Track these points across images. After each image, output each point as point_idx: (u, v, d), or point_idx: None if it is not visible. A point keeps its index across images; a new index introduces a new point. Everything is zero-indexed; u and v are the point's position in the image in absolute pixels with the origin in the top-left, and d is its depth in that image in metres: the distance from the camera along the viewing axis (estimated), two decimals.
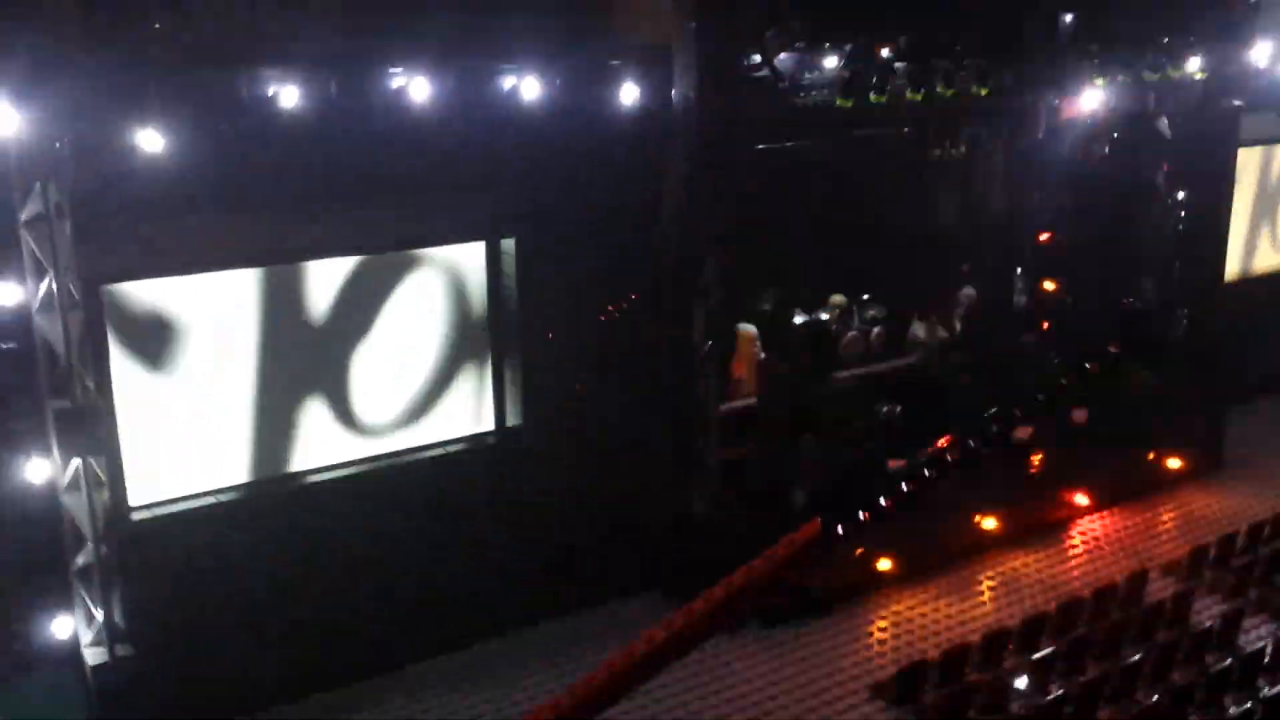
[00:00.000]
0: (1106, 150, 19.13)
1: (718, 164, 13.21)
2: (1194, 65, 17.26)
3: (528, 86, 12.17)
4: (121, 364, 11.38)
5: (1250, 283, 20.81)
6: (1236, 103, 18.35)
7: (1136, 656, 12.46)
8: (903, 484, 9.93)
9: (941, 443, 10.11)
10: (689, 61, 12.99)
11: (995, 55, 15.28)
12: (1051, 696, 11.81)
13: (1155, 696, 11.72)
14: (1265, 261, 21.27)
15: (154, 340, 11.55)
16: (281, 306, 12.14)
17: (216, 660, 11.60)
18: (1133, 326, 9.31)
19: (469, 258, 13.23)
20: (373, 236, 12.34)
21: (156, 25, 10.24)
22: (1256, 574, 14.59)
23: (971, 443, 9.69)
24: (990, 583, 14.74)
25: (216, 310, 11.80)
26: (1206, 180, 18.89)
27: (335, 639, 12.35)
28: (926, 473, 9.85)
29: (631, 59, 13.19)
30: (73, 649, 11.16)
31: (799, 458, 14.99)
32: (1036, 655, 12.48)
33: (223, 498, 12.15)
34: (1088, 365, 9.36)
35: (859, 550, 14.31)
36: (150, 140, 10.22)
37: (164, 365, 11.65)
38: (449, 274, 13.18)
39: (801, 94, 15.41)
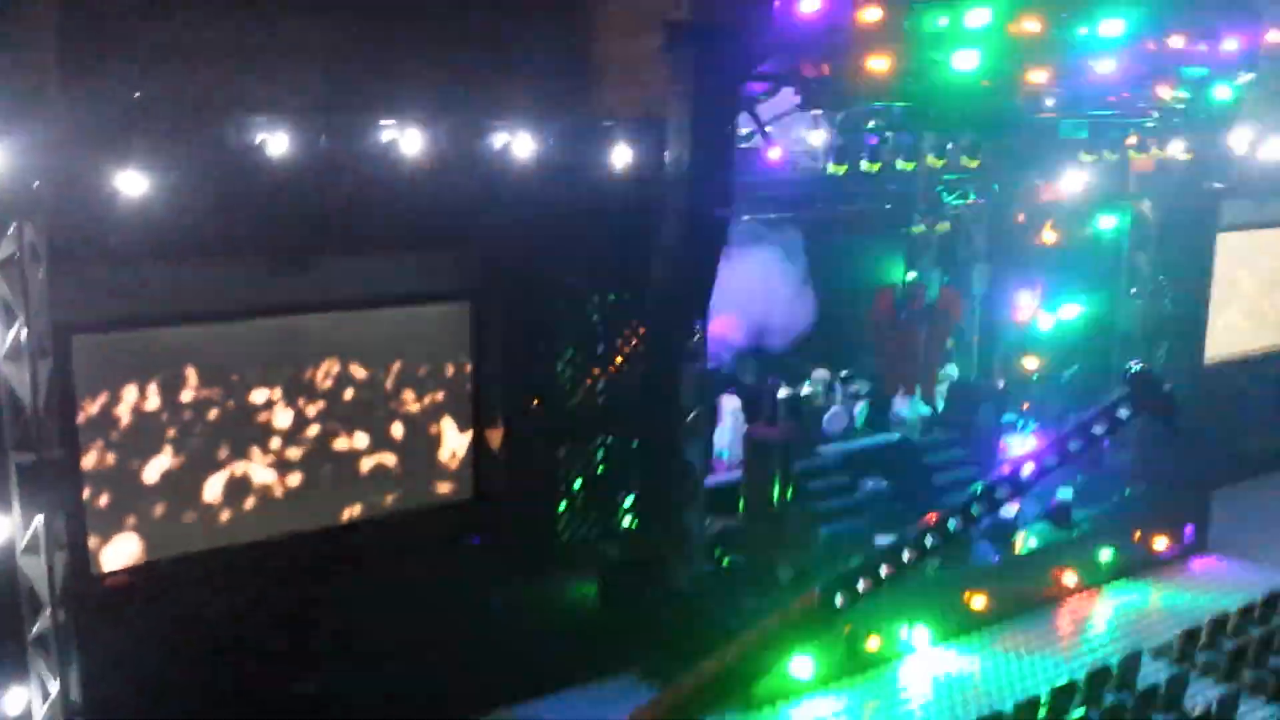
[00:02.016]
0: (1088, 232, 19.30)
1: (712, 228, 13.01)
2: (1178, 147, 17.42)
3: (520, 144, 12.00)
4: (90, 417, 10.87)
5: (1234, 365, 20.84)
6: (1217, 185, 18.53)
7: None
8: (902, 553, 9.58)
9: (931, 517, 9.81)
10: (682, 126, 12.84)
11: (984, 129, 15.33)
12: None
13: None
14: (1249, 343, 21.33)
15: (125, 393, 11.06)
16: (260, 362, 11.72)
17: None
18: (1144, 386, 9.11)
19: (455, 317, 12.89)
20: (359, 291, 12.01)
21: (141, 66, 9.92)
22: (1250, 656, 14.28)
23: (957, 520, 9.42)
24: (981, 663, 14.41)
25: (192, 364, 11.36)
26: (1188, 262, 19.00)
27: (312, 715, 11.73)
28: (926, 541, 9.52)
29: (623, 123, 13.09)
30: None
31: (785, 531, 14.67)
32: None
33: (193, 562, 11.57)
34: (1096, 431, 9.12)
35: (847, 627, 13.95)
36: (132, 183, 9.89)
37: (135, 419, 11.15)
38: (433, 332, 12.83)
39: (790, 167, 15.42)
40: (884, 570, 9.75)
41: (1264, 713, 13.22)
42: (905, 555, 9.66)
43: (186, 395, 11.38)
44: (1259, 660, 14.31)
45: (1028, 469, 9.56)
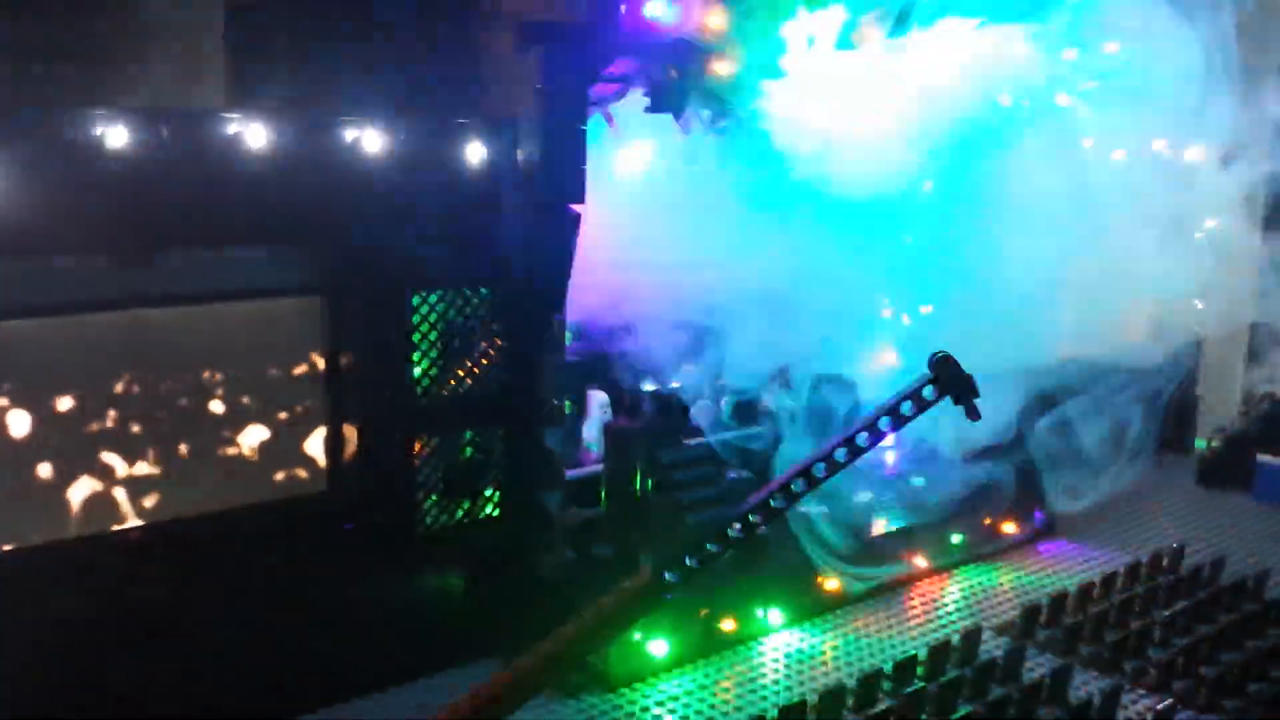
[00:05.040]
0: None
1: (564, 222, 13.38)
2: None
3: (370, 139, 12.24)
4: None
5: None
6: None
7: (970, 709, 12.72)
8: (730, 530, 9.95)
9: (755, 495, 10.23)
10: (534, 123, 13.21)
11: None
12: None
13: None
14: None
15: None
16: (109, 356, 11.74)
17: None
18: (945, 370, 9.65)
19: (308, 311, 13.03)
20: (207, 285, 12.06)
21: None
22: (1086, 632, 15.05)
23: (794, 487, 9.81)
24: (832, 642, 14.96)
25: (41, 359, 11.34)
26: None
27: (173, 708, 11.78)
28: (751, 518, 9.91)
29: (479, 120, 13.38)
30: None
31: (647, 520, 15.05)
32: (874, 711, 12.61)
33: (47, 555, 11.49)
34: (904, 411, 9.61)
35: (703, 611, 14.40)
36: None
37: None
38: (286, 326, 12.96)
39: None
40: (713, 546, 10.09)
41: (1097, 685, 13.93)
42: (731, 530, 10.01)
43: (35, 389, 11.34)
44: (1095, 635, 15.10)
45: (841, 448, 9.99)
